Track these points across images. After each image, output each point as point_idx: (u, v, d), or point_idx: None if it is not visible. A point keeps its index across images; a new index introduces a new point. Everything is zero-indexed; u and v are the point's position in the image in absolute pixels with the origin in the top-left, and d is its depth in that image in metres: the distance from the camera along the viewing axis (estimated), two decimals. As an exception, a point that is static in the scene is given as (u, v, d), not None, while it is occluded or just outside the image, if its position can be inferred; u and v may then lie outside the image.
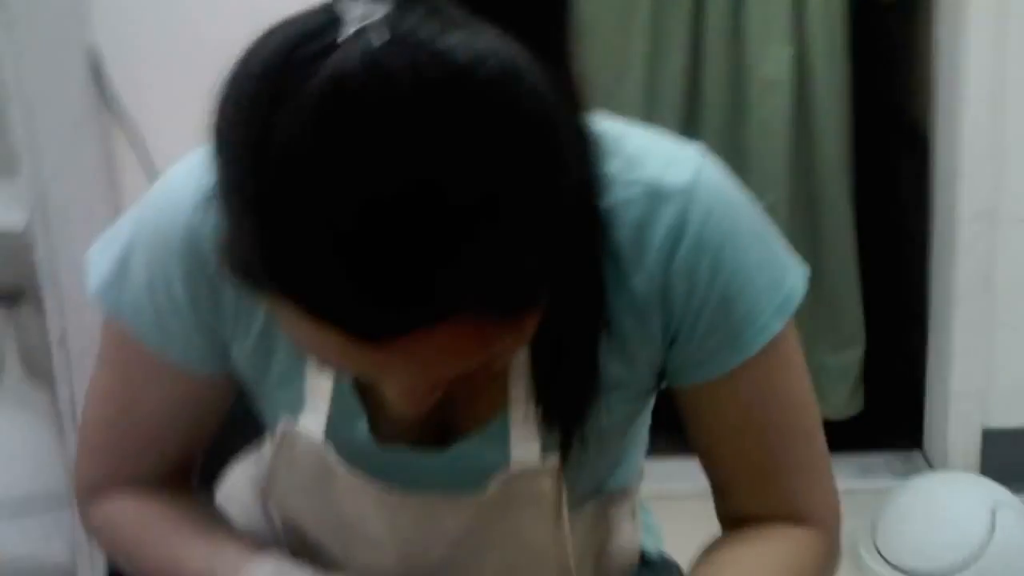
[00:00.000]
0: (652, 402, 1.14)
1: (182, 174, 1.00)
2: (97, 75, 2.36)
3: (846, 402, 2.88)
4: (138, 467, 1.13)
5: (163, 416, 1.10)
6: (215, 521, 1.15)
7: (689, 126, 2.74)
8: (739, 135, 2.74)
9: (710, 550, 1.10)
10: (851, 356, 2.88)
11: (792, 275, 1.03)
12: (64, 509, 2.40)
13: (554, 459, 1.03)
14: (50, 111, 2.19)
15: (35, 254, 2.17)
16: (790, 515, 1.08)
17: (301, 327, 0.79)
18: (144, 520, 1.13)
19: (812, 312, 2.72)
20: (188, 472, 1.17)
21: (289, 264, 0.76)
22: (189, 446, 1.14)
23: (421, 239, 0.73)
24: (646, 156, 0.99)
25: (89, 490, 1.15)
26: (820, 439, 1.09)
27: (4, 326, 2.42)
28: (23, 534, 2.44)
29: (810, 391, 1.08)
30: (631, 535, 1.21)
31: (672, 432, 1.41)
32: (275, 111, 0.74)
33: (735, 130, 2.75)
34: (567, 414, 1.01)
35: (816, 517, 1.09)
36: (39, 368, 2.44)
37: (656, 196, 0.97)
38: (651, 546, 1.27)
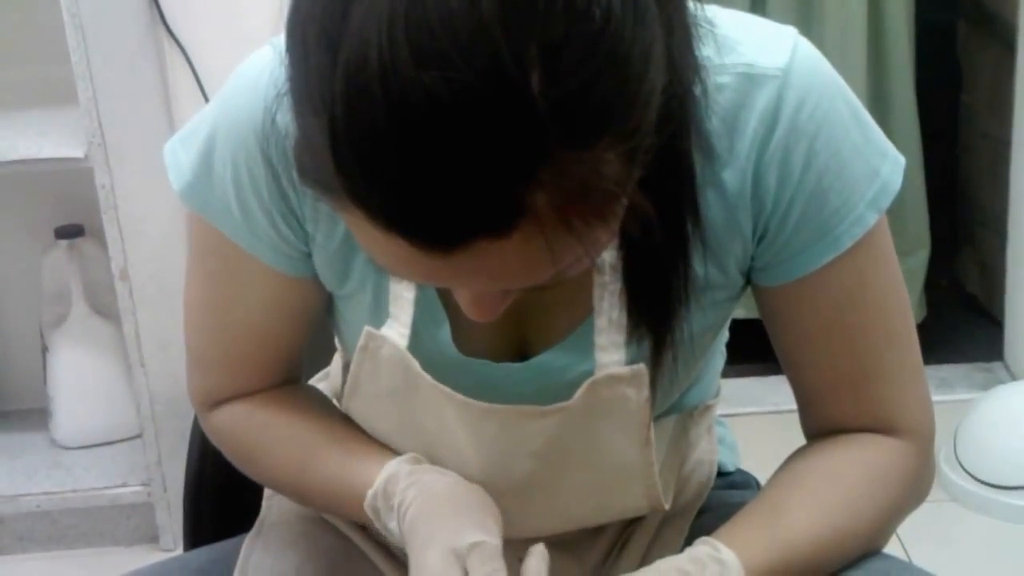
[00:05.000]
0: (733, 311, 1.11)
1: (258, 66, 0.99)
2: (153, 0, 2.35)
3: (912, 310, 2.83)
4: (246, 372, 1.13)
5: (262, 318, 1.09)
6: (340, 422, 1.14)
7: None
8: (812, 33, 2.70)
9: (792, 458, 1.08)
10: (916, 261, 2.84)
11: (889, 164, 1.00)
12: (136, 442, 2.43)
13: (640, 367, 1.01)
14: (106, 38, 2.18)
15: (95, 183, 2.17)
16: (879, 425, 1.05)
17: (370, 236, 0.77)
18: (264, 425, 1.13)
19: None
20: (298, 371, 1.17)
21: (355, 168, 0.74)
22: (294, 347, 1.13)
23: (494, 145, 0.71)
24: (738, 39, 0.95)
25: (203, 399, 1.16)
26: (914, 344, 1.06)
27: (68, 262, 2.43)
28: (96, 468, 2.47)
29: (904, 292, 1.05)
30: (709, 450, 1.19)
31: (745, 355, 1.40)
32: (350, 5, 0.73)
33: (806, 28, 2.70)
34: (656, 318, 0.98)
35: (907, 427, 1.06)
36: (103, 303, 2.46)
37: (749, 81, 0.94)
38: (728, 461, 1.26)
